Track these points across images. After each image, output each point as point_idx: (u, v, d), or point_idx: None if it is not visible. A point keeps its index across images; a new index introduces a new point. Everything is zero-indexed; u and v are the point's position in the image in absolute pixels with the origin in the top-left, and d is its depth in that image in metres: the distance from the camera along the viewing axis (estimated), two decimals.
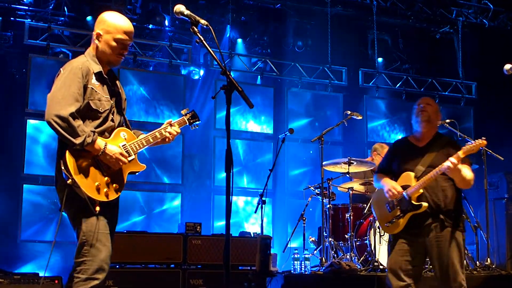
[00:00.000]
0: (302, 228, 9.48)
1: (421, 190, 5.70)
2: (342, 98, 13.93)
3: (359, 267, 8.28)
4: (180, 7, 4.39)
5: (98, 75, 4.67)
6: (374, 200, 6.38)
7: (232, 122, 4.01)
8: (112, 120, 4.72)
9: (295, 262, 8.36)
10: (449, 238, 5.68)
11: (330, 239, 8.96)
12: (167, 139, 5.01)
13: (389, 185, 5.93)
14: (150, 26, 12.57)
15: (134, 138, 4.83)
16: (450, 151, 5.72)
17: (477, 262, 8.96)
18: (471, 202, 9.56)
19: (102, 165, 4.54)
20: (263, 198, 9.00)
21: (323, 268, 8.10)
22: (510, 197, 11.08)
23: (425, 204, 5.67)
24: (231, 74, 4.36)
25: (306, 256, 8.43)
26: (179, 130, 5.07)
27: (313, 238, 9.74)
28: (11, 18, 11.41)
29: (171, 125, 5.03)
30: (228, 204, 4.06)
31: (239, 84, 4.21)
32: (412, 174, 5.83)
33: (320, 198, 8.91)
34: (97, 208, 4.46)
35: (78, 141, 4.35)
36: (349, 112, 9.23)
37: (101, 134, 4.60)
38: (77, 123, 4.39)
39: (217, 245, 8.92)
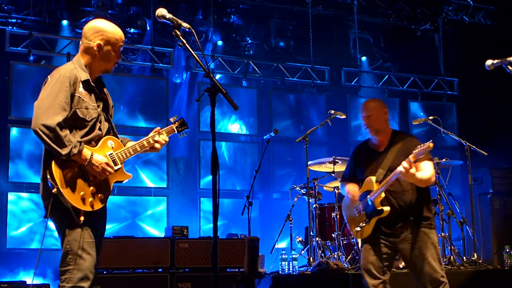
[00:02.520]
0: (289, 228, 9.50)
1: (383, 195, 5.73)
2: (325, 98, 13.96)
3: (346, 266, 8.30)
4: (162, 11, 4.38)
5: (86, 83, 4.63)
6: (343, 206, 6.39)
7: (216, 125, 3.99)
8: (100, 129, 4.68)
9: (283, 262, 8.36)
10: (422, 238, 5.73)
11: (317, 238, 8.98)
12: (155, 148, 4.99)
13: (347, 190, 6.09)
14: (132, 30, 12.54)
15: (121, 147, 4.80)
16: (408, 149, 5.63)
17: (464, 258, 9.00)
18: (456, 198, 9.61)
19: (87, 175, 4.51)
20: (249, 200, 9.01)
21: (311, 268, 8.11)
22: (494, 192, 11.15)
23: (386, 208, 5.68)
24: (214, 76, 4.36)
25: (294, 256, 8.44)
26: (167, 139, 5.04)
27: (300, 238, 9.76)
28: None
29: (159, 133, 5.01)
30: (215, 206, 4.05)
31: (222, 86, 4.21)
32: (373, 178, 5.85)
33: (306, 198, 8.93)
34: (82, 218, 4.42)
35: (64, 151, 4.32)
36: (332, 112, 9.24)
37: (88, 143, 4.56)
38: (64, 133, 4.36)
39: (205, 248, 8.90)
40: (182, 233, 8.92)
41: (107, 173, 4.57)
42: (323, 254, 9.03)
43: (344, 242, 9.02)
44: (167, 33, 12.51)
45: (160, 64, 12.40)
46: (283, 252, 8.53)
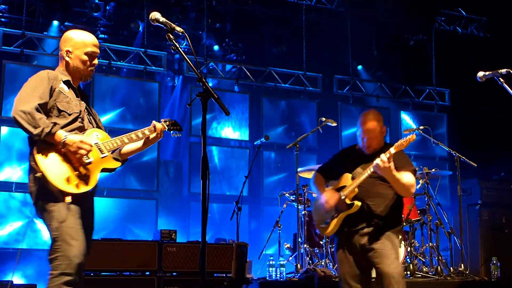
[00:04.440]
0: (278, 234, 9.49)
1: (356, 190, 5.74)
2: (316, 105, 13.96)
3: (333, 273, 8.30)
4: (155, 14, 4.38)
5: (67, 83, 4.72)
6: (314, 204, 6.38)
7: (207, 129, 3.98)
8: (81, 122, 4.71)
9: (271, 268, 8.37)
10: (385, 241, 5.69)
11: (305, 245, 8.98)
12: (157, 135, 5.09)
13: (325, 198, 5.95)
14: (125, 33, 12.53)
15: (108, 139, 4.83)
16: (395, 158, 5.63)
17: (451, 268, 9.02)
18: (445, 208, 9.64)
19: (71, 159, 4.52)
20: (239, 205, 9.01)
21: (298, 274, 8.12)
22: (483, 203, 11.18)
23: (357, 203, 5.69)
24: (207, 81, 4.36)
25: (282, 262, 8.45)
26: (165, 127, 5.17)
27: (288, 245, 9.76)
28: None
29: (154, 126, 5.11)
30: (204, 211, 4.05)
31: (214, 91, 4.21)
32: (349, 175, 5.88)
33: (295, 204, 8.93)
34: (67, 199, 4.43)
35: (36, 131, 4.34)
36: (323, 119, 9.26)
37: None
38: (40, 116, 4.40)
39: (193, 252, 8.86)
40: (170, 236, 8.88)
41: (84, 152, 4.51)
42: (310, 261, 9.03)
43: (332, 249, 9.02)
44: (160, 36, 12.49)
45: (153, 67, 12.39)
46: (271, 258, 8.53)
